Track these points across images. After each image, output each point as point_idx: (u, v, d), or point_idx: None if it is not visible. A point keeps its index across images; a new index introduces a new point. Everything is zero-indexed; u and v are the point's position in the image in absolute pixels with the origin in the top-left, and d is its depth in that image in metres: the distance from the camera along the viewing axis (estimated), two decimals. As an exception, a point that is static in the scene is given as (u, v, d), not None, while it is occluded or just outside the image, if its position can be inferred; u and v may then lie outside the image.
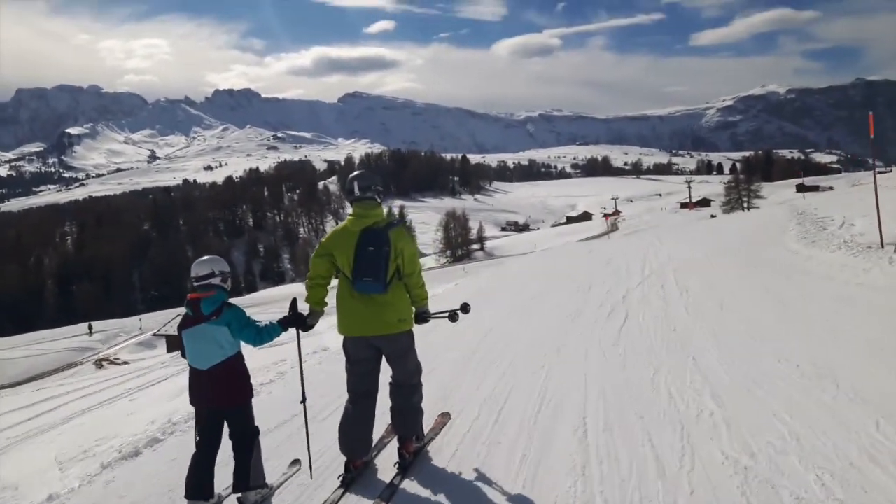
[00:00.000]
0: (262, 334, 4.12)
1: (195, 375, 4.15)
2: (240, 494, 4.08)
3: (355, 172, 4.40)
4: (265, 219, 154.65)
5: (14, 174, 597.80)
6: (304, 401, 4.49)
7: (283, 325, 4.20)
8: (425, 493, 3.98)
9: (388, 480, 4.15)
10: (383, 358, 4.35)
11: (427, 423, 4.75)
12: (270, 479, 4.33)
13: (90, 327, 58.82)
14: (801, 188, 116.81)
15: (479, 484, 4.00)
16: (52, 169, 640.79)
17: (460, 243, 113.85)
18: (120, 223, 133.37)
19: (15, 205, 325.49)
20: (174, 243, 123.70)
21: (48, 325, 70.96)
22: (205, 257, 4.33)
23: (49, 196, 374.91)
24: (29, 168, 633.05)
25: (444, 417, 5.20)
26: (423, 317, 4.43)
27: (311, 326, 4.36)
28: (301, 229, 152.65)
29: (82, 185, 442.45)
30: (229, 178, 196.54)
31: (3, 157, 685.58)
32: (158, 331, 48.95)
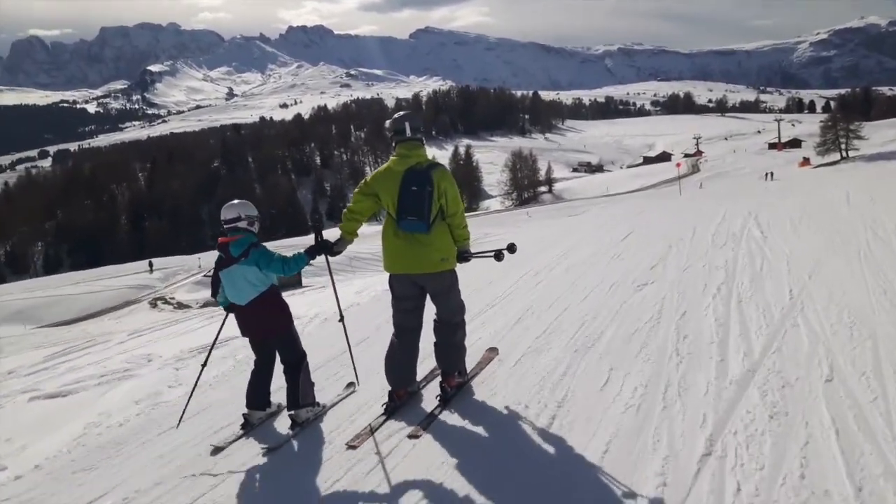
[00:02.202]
0: (288, 264, 4.34)
1: (237, 311, 4.58)
2: (293, 412, 4.52)
3: (402, 113, 4.38)
4: (332, 157, 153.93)
5: (101, 111, 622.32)
6: (341, 319, 5.04)
7: (310, 253, 4.36)
8: (462, 423, 4.13)
9: (429, 410, 4.34)
10: (427, 295, 4.43)
11: (475, 358, 5.10)
12: (325, 399, 4.89)
13: (150, 264, 58.82)
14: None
15: (516, 421, 4.08)
16: (137, 106, 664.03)
17: (527, 185, 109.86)
18: (191, 160, 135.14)
19: (103, 140, 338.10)
20: (243, 181, 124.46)
21: (120, 261, 72.10)
22: (234, 201, 4.58)
23: (134, 132, 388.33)
24: (115, 105, 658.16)
25: (492, 353, 5.34)
26: (464, 256, 4.48)
27: (339, 252, 4.46)
28: (367, 168, 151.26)
29: (164, 121, 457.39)
30: (298, 116, 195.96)
31: (91, 94, 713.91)
32: (209, 272, 48.01)
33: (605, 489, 3.19)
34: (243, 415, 4.74)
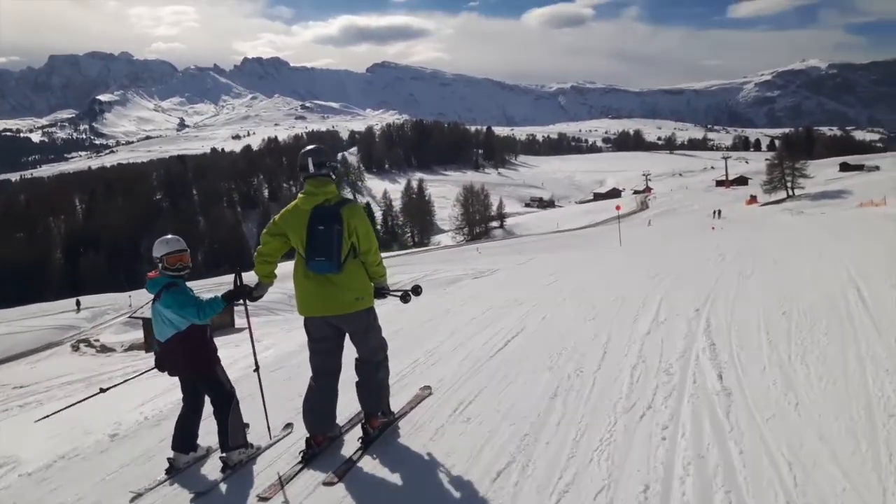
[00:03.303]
0: (203, 309, 4.22)
1: (160, 347, 4.43)
2: (223, 454, 4.33)
3: (308, 147, 4.29)
4: (280, 190, 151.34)
5: (47, 140, 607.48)
6: (256, 369, 4.84)
7: (227, 298, 4.30)
8: (383, 469, 3.99)
9: (348, 456, 4.18)
10: (346, 336, 4.31)
11: (406, 397, 5.10)
12: (260, 442, 4.63)
13: (78, 303, 55.67)
14: (846, 167, 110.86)
15: (444, 464, 3.97)
16: (84, 136, 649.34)
17: (479, 220, 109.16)
18: (132, 192, 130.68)
19: (47, 170, 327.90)
20: (186, 213, 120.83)
21: (53, 297, 68.88)
22: (166, 237, 4.49)
23: (80, 162, 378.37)
24: (61, 134, 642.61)
25: (424, 391, 5.25)
26: (381, 292, 4.38)
27: (259, 297, 4.35)
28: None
29: (112, 152, 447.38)
30: (247, 148, 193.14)
31: (36, 122, 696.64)
32: (135, 312, 45.46)
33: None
34: (168, 459, 4.48)
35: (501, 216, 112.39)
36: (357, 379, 4.34)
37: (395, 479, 3.88)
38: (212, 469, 4.42)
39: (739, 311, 7.10)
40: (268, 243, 4.20)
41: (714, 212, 70.87)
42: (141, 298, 53.29)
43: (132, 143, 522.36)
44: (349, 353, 4.38)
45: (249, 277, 4.40)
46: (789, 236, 18.35)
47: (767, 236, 19.74)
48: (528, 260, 18.94)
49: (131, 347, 39.66)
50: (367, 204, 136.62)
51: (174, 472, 4.43)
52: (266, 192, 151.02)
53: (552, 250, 54.96)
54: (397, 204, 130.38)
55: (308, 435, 4.27)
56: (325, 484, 3.85)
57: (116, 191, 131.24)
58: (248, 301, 4.38)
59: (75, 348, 39.93)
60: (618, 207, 39.19)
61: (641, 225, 73.61)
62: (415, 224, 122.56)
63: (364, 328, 4.25)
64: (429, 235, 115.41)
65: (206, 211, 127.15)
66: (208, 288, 54.70)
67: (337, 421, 4.51)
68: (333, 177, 4.25)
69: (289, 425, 4.88)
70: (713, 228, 48.56)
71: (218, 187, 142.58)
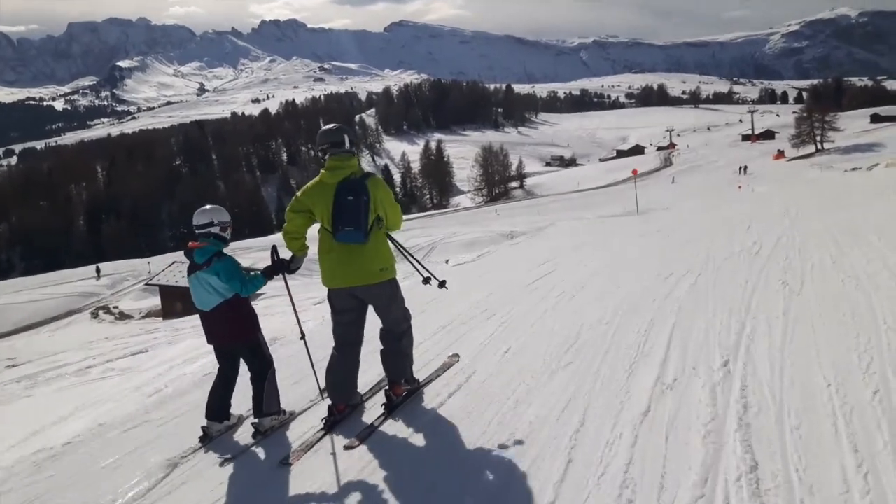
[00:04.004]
0: (246, 285, 4.37)
1: (202, 316, 4.53)
2: (256, 420, 4.47)
3: (333, 126, 4.36)
4: (299, 153, 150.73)
5: (69, 108, 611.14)
6: (302, 337, 4.89)
7: (268, 274, 4.42)
8: (405, 433, 4.07)
9: (370, 422, 4.27)
10: (369, 307, 4.40)
11: (435, 365, 5.21)
12: (294, 407, 4.79)
13: (98, 270, 55.98)
14: (877, 118, 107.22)
15: (463, 430, 4.00)
16: (105, 102, 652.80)
17: (498, 181, 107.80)
18: (151, 158, 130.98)
19: (71, 138, 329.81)
20: (205, 179, 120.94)
21: (76, 264, 69.22)
22: (207, 206, 4.55)
23: (102, 129, 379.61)
24: (83, 102, 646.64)
25: (452, 359, 5.33)
26: (389, 237, 4.43)
27: (296, 269, 4.47)
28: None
29: (134, 118, 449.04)
30: (265, 112, 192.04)
31: (58, 90, 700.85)
32: (152, 279, 45.57)
33: (644, 329, 4.47)
34: (202, 427, 4.56)
35: (521, 176, 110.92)
36: (381, 347, 4.46)
37: (416, 442, 3.97)
38: (245, 436, 4.53)
39: (795, 369, 4.10)
40: (292, 220, 4.29)
41: (740, 168, 69.07)
42: (160, 265, 53.59)
43: (153, 108, 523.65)
44: (372, 324, 4.49)
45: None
46: (837, 203, 13.97)
47: (808, 201, 15.92)
48: (519, 242, 16.21)
49: (149, 314, 39.98)
50: (386, 166, 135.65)
51: (207, 440, 4.53)
52: (285, 156, 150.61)
53: (572, 210, 54.31)
54: (416, 166, 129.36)
55: (330, 403, 4.42)
56: (346, 448, 3.98)
57: (136, 157, 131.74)
58: (286, 273, 4.54)
59: (94, 315, 40.10)
60: (634, 171, 37.51)
61: (664, 183, 72.08)
62: (433, 186, 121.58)
63: (387, 299, 4.34)
64: (448, 197, 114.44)
65: (225, 176, 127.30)
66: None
67: (359, 390, 4.64)
68: (354, 152, 4.34)
69: (323, 391, 4.89)
70: (739, 187, 47.05)
71: (237, 152, 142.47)
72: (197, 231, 4.47)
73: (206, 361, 7.50)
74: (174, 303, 39.60)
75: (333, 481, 3.65)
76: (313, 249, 4.36)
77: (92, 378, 10.43)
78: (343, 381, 4.40)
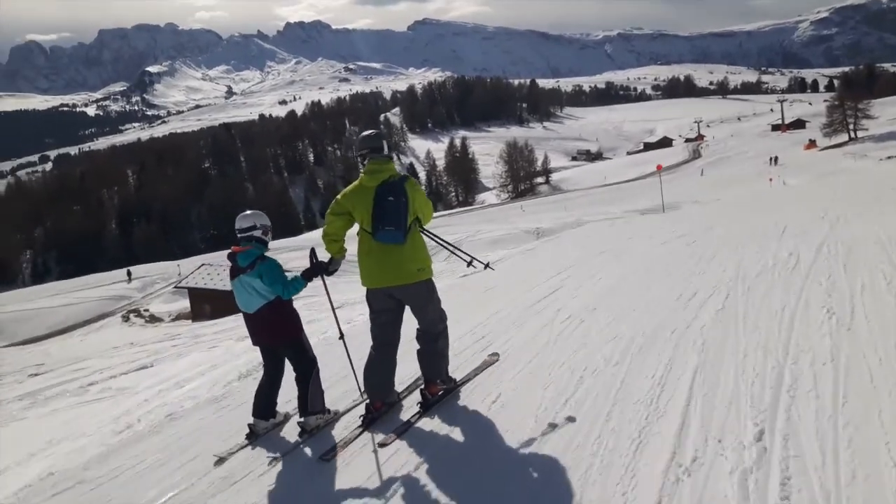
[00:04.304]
0: (288, 288, 4.48)
1: (246, 318, 4.68)
2: (302, 419, 4.60)
3: (372, 132, 4.55)
4: (325, 154, 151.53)
5: (101, 113, 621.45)
6: (341, 337, 5.12)
7: (306, 276, 4.55)
8: (440, 430, 4.15)
9: (406, 419, 4.39)
10: (405, 308, 4.53)
11: (474, 363, 5.27)
12: (338, 406, 4.92)
13: (129, 273, 56.68)
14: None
15: (502, 425, 4.06)
16: (136, 107, 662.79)
17: (523, 177, 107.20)
18: (180, 162, 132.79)
19: (103, 143, 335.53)
20: (234, 181, 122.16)
21: (109, 267, 70.17)
22: (248, 212, 4.67)
23: (134, 133, 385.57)
24: (114, 107, 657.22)
25: (492, 357, 5.36)
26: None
27: (335, 271, 4.65)
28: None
29: (164, 122, 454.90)
30: (291, 113, 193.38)
31: (90, 97, 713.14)
32: (181, 282, 46.04)
33: (660, 374, 3.80)
34: (249, 424, 4.75)
35: (547, 171, 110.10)
36: (418, 347, 4.57)
37: (451, 439, 4.04)
38: (291, 434, 4.68)
39: (854, 451, 3.08)
40: (332, 223, 4.42)
41: (770, 158, 67.89)
42: (189, 267, 54.25)
43: (182, 112, 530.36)
44: (408, 325, 4.60)
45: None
46: (880, 202, 11.73)
47: (847, 199, 13.43)
48: (535, 247, 15.16)
49: (178, 317, 40.30)
50: (411, 164, 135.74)
51: (254, 437, 4.72)
52: (311, 157, 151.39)
53: (599, 205, 53.88)
54: (441, 163, 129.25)
55: (368, 401, 4.59)
56: (381, 445, 4.11)
57: (166, 161, 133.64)
58: (325, 276, 4.69)
59: (125, 319, 40.47)
60: (658, 167, 36.63)
61: (693, 176, 71.13)
62: (458, 183, 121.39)
63: (424, 299, 4.45)
64: (473, 194, 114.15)
65: (253, 178, 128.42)
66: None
67: (396, 388, 4.78)
68: (391, 156, 4.52)
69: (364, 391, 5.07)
70: (770, 180, 46.13)
71: (264, 154, 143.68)
72: (239, 235, 4.56)
73: (201, 382, 7.61)
74: (203, 305, 39.84)
75: (371, 476, 3.77)
76: (351, 251, 4.55)
77: (88, 399, 10.67)
78: (380, 380, 4.54)
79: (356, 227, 4.45)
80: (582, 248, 11.61)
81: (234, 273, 4.57)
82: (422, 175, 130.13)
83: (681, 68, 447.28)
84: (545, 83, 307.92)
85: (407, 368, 4.94)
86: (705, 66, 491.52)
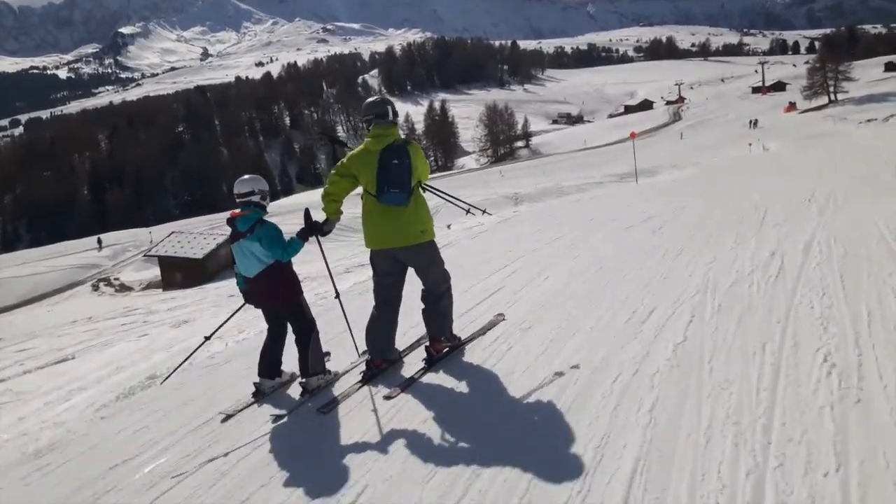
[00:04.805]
0: (287, 250, 4.50)
1: (248, 282, 4.71)
2: (303, 380, 4.63)
3: (378, 98, 4.63)
4: (302, 117, 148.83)
5: (73, 76, 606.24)
6: (338, 296, 5.29)
7: (303, 236, 4.58)
8: (443, 385, 4.19)
9: (409, 375, 4.44)
10: (408, 270, 4.62)
11: (482, 322, 5.26)
12: (338, 368, 4.93)
13: (99, 241, 55.50)
14: (892, 66, 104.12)
15: (503, 384, 4.05)
16: (109, 70, 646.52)
17: (503, 141, 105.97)
18: (153, 126, 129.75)
19: (76, 107, 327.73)
20: (208, 145, 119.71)
21: (81, 234, 68.67)
22: (246, 176, 4.72)
23: (107, 97, 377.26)
24: (87, 70, 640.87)
25: (497, 317, 5.39)
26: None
27: (329, 231, 4.67)
28: (339, 127, 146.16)
29: (138, 84, 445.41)
30: (267, 76, 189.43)
31: (62, 59, 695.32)
32: (151, 250, 45.04)
33: (588, 465, 2.88)
34: (254, 384, 4.81)
35: (527, 135, 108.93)
36: (423, 306, 4.64)
37: (454, 393, 4.07)
38: (295, 394, 4.68)
39: None
40: (336, 183, 4.48)
41: (750, 122, 67.52)
42: (162, 234, 53.22)
43: (157, 74, 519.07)
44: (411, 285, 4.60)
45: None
46: (872, 176, 10.61)
47: (835, 173, 12.00)
48: (486, 230, 14.20)
49: (149, 286, 39.54)
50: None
51: (260, 396, 4.74)
52: (287, 120, 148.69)
53: (577, 170, 53.19)
54: (420, 127, 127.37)
55: (369, 358, 4.67)
56: (386, 398, 4.16)
57: (139, 125, 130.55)
58: (319, 236, 4.68)
59: (95, 288, 39.64)
60: (633, 134, 35.21)
61: (673, 139, 70.61)
62: (438, 147, 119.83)
63: (427, 260, 4.51)
64: (453, 158, 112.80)
65: (228, 141, 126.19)
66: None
67: (397, 347, 4.86)
68: (396, 121, 4.56)
69: (365, 352, 5.03)
70: (750, 145, 45.55)
71: (239, 117, 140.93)
72: (238, 200, 4.58)
73: (108, 384, 6.61)
74: (174, 273, 39.14)
75: (372, 429, 3.79)
76: (350, 214, 4.65)
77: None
78: (382, 339, 4.65)
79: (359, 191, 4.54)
80: (537, 232, 9.86)
81: (234, 237, 4.60)
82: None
83: (663, 30, 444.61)
84: (527, 44, 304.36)
85: (408, 328, 5.03)
86: (687, 28, 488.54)
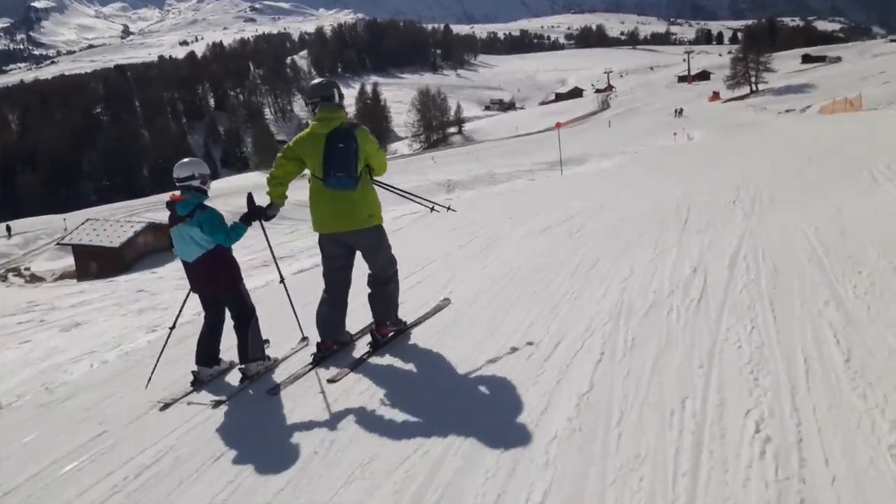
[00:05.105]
0: (230, 235, 4.46)
1: (186, 266, 4.65)
2: (243, 366, 4.61)
3: (323, 80, 4.60)
4: (227, 98, 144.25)
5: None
6: (282, 280, 5.32)
7: (246, 220, 4.52)
8: (388, 368, 4.28)
9: (357, 357, 4.50)
10: (356, 253, 4.64)
11: (428, 307, 5.32)
12: (277, 353, 4.93)
13: (8, 228, 52.37)
14: (808, 59, 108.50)
15: (446, 364, 4.15)
16: (21, 46, 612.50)
17: (436, 126, 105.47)
18: (68, 106, 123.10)
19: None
20: (128, 126, 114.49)
21: (-11, 221, 65.02)
22: (185, 160, 4.66)
23: (18, 74, 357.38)
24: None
25: (443, 302, 5.45)
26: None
27: (273, 216, 4.64)
28: (266, 109, 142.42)
29: (53, 62, 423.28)
30: (191, 55, 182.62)
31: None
32: (64, 238, 42.89)
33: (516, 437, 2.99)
34: (192, 372, 4.73)
35: (460, 121, 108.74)
36: (369, 291, 4.64)
37: (398, 375, 4.16)
38: (234, 381, 4.63)
39: None
40: (282, 166, 4.42)
41: (676, 110, 68.94)
42: (77, 220, 50.61)
43: (74, 52, 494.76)
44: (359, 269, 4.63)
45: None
46: (798, 171, 10.00)
47: (760, 167, 11.41)
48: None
49: (62, 276, 37.72)
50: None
51: (198, 384, 4.66)
52: (212, 102, 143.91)
53: (509, 156, 53.13)
54: (351, 110, 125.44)
55: (319, 340, 4.62)
56: (331, 381, 4.17)
57: (53, 104, 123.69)
58: (263, 221, 4.64)
59: (3, 279, 37.54)
60: (558, 124, 34.73)
61: (601, 127, 71.49)
62: (370, 132, 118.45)
63: (375, 245, 4.51)
64: (385, 144, 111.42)
65: (149, 123, 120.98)
66: (153, 206, 51.63)
67: (348, 329, 4.83)
68: (343, 105, 4.53)
69: (304, 339, 5.13)
70: (675, 134, 46.19)
71: (161, 98, 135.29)
72: (178, 184, 4.50)
73: None
74: (89, 263, 37.38)
75: (320, 410, 3.81)
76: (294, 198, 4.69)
77: None
78: (332, 321, 4.61)
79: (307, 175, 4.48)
80: (453, 231, 9.28)
81: (173, 221, 4.52)
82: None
83: (593, 17, 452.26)
84: (460, 29, 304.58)
85: (362, 312, 4.91)
86: (617, 16, 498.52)
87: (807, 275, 4.60)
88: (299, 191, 4.81)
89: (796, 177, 9.28)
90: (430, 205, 5.40)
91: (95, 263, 36.54)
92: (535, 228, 8.19)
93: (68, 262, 39.64)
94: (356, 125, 4.37)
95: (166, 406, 4.41)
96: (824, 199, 6.92)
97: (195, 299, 5.04)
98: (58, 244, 43.41)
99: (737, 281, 4.72)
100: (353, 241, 4.45)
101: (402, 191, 5.32)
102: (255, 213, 4.51)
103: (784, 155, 12.99)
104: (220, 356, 4.86)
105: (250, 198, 4.61)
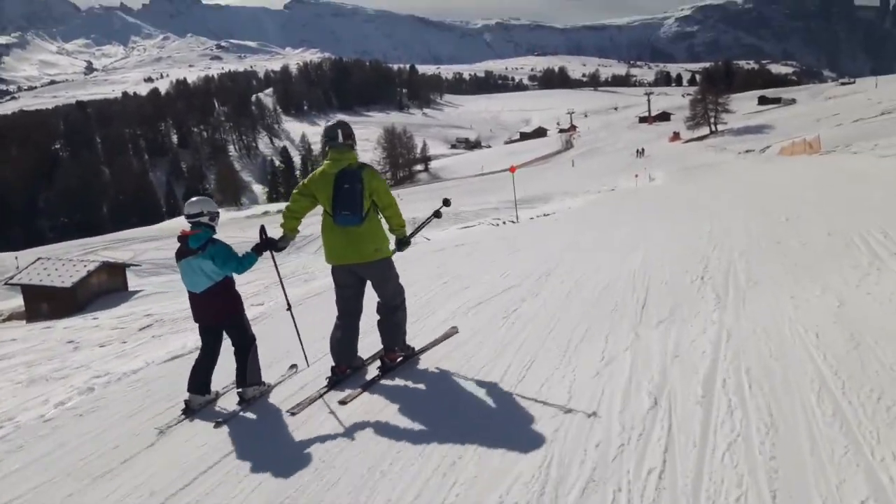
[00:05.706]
0: (242, 264, 4.75)
1: (192, 297, 4.91)
2: (240, 389, 4.88)
3: (336, 122, 4.88)
4: (191, 135, 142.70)
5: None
6: (289, 308, 5.40)
7: (257, 251, 4.80)
8: (396, 391, 4.50)
9: (366, 380, 4.75)
10: (367, 282, 4.88)
11: (436, 334, 5.59)
12: (269, 379, 5.19)
13: (-42, 267, 50.37)
14: (764, 100, 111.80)
15: (454, 385, 4.43)
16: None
17: (402, 164, 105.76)
18: (26, 142, 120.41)
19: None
20: (88, 163, 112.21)
21: (-61, 259, 62.44)
22: (195, 198, 4.97)
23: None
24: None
25: (451, 330, 5.67)
26: (403, 242, 4.94)
27: (283, 248, 4.91)
28: (231, 146, 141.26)
29: (14, 98, 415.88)
30: (154, 91, 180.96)
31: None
32: (12, 277, 41.17)
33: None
34: (185, 400, 4.91)
35: (426, 159, 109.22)
36: (378, 318, 4.91)
37: (406, 398, 4.34)
38: (228, 406, 4.88)
39: None
40: (297, 201, 4.71)
41: (637, 150, 69.88)
42: (29, 259, 48.83)
43: (35, 88, 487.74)
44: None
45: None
46: (772, 232, 8.21)
47: (727, 219, 10.12)
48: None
49: (11, 317, 35.90)
50: (284, 147, 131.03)
51: (190, 412, 4.84)
52: (175, 139, 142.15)
53: (474, 194, 53.10)
54: (317, 148, 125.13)
55: (334, 364, 4.90)
56: (342, 403, 4.41)
57: (10, 140, 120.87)
58: (274, 252, 4.90)
59: (-52, 319, 35.57)
60: (512, 169, 33.51)
61: (564, 167, 72.07)
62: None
63: (382, 276, 4.78)
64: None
65: (110, 160, 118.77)
66: (111, 244, 50.23)
67: (360, 355, 5.11)
68: (354, 146, 4.77)
69: (293, 366, 5.44)
70: (636, 176, 45.71)
71: (123, 134, 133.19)
72: (188, 220, 4.76)
73: None
74: (39, 304, 35.67)
75: (333, 430, 4.03)
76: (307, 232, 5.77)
77: None
78: (345, 346, 4.88)
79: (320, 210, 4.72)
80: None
81: (182, 254, 4.75)
82: (297, 159, 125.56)
83: (556, 60, 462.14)
84: (426, 69, 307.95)
85: (374, 337, 5.15)
86: (579, 59, 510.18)
87: (821, 431, 3.02)
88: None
89: (775, 245, 7.20)
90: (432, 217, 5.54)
91: (47, 304, 35.02)
92: (468, 304, 6.67)
93: (18, 302, 38.00)
94: (364, 166, 4.61)
95: (162, 433, 4.58)
96: (817, 282, 5.53)
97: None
98: (6, 283, 41.76)
99: (716, 435, 3.15)
100: (361, 272, 4.72)
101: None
102: (267, 244, 4.79)
103: (755, 212, 10.54)
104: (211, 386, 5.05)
105: (262, 229, 4.88)
